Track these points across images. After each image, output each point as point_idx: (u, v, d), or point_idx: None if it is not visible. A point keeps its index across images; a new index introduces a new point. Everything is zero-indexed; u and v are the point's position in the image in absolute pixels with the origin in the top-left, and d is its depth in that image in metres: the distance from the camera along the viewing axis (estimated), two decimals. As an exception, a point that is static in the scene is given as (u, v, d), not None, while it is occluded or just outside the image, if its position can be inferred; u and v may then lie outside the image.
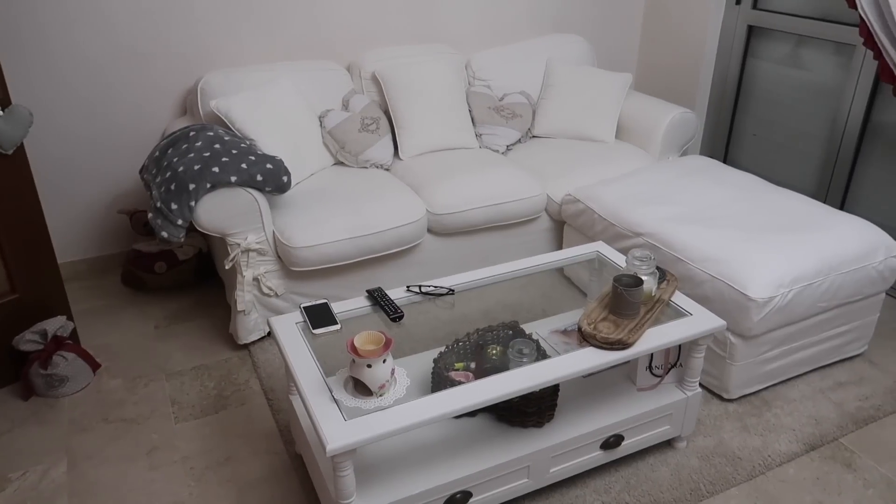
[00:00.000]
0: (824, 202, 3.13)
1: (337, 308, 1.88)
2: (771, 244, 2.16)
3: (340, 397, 1.52)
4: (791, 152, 3.28)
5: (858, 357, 2.40)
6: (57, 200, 2.82)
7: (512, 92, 3.21)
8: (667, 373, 1.95)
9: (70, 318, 2.35)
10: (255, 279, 2.38)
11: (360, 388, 1.53)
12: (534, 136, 3.22)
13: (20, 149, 2.09)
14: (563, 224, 2.85)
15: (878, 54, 2.50)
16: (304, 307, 1.85)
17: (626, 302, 1.77)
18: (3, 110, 2.01)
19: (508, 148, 3.09)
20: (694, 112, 3.13)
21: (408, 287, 1.95)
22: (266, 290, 2.39)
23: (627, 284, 1.79)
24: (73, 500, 1.86)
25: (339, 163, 2.83)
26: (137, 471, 1.95)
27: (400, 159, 2.90)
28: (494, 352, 1.92)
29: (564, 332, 2.18)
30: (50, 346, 2.22)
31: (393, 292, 1.95)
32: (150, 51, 2.76)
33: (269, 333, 2.50)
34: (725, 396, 2.18)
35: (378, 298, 1.89)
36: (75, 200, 2.85)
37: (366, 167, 2.81)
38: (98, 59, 2.69)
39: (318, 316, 1.83)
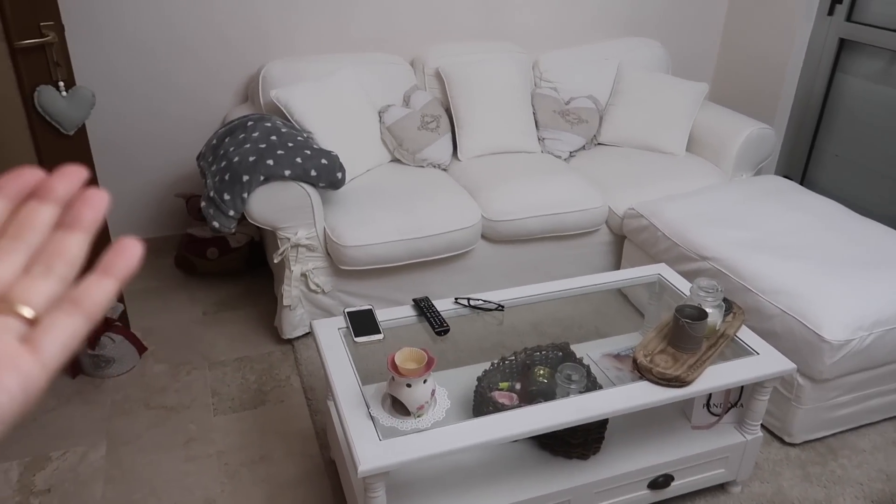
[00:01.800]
0: (910, 234, 2.90)
1: (382, 315, 1.82)
2: (851, 280, 1.99)
3: (377, 414, 1.46)
4: (877, 177, 3.05)
5: (939, 408, 2.21)
6: (118, 181, 2.86)
7: (579, 96, 3.08)
8: (726, 412, 1.83)
9: (121, 299, 2.36)
10: (303, 275, 2.34)
11: (398, 407, 1.46)
12: (599, 144, 3.09)
13: (81, 130, 2.10)
14: (623, 239, 2.72)
15: None
16: (347, 312, 1.80)
17: (687, 335, 1.65)
18: (66, 91, 2.02)
19: (571, 154, 2.97)
20: (772, 128, 2.94)
21: (456, 299, 1.88)
22: (313, 287, 2.36)
23: (690, 316, 1.67)
24: (108, 486, 1.86)
25: (395, 160, 2.77)
26: (173, 461, 1.95)
27: (458, 160, 2.82)
28: (542, 374, 1.83)
29: (617, 356, 2.07)
30: (99, 326, 2.23)
31: (440, 303, 1.88)
32: (215, 37, 2.75)
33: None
34: (787, 440, 2.04)
35: (424, 309, 1.82)
36: (136, 181, 2.88)
37: (423, 166, 2.74)
38: (163, 43, 2.70)
39: (362, 323, 1.77)
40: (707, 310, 1.70)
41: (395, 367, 1.42)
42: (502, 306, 1.88)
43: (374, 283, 2.44)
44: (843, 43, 3.12)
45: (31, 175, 0.34)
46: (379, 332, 1.74)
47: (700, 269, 2.26)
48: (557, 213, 2.56)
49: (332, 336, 1.73)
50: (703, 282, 1.75)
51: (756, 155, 2.91)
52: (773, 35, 3.31)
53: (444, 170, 2.79)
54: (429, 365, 1.43)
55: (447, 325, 1.77)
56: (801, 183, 3.41)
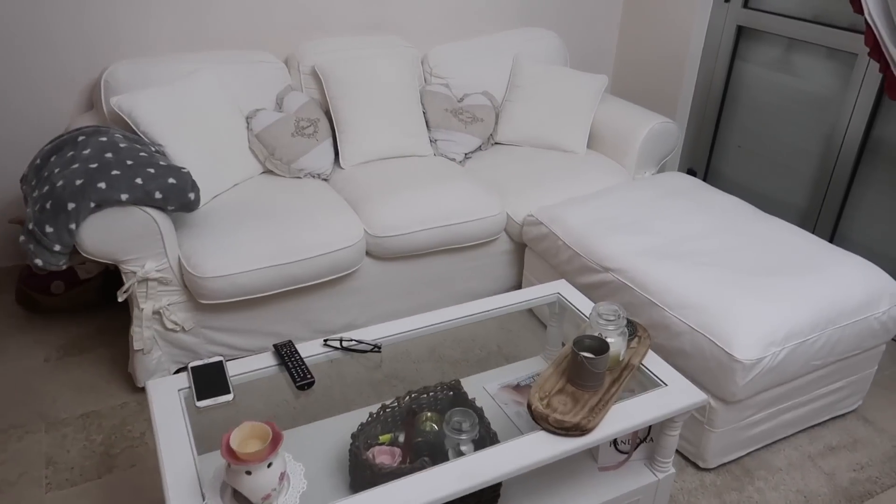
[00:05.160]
0: (815, 223, 2.83)
1: (235, 368, 1.52)
2: (760, 290, 1.84)
3: (214, 507, 1.18)
4: (780, 168, 2.97)
5: (851, 413, 2.12)
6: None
7: (473, 92, 2.85)
8: (634, 449, 1.64)
9: (-70, 355, 1.96)
10: (157, 312, 2.01)
11: (240, 498, 1.18)
12: (496, 144, 2.87)
13: None
14: (524, 247, 2.52)
15: (885, 67, 2.18)
16: (192, 368, 1.49)
17: (587, 372, 1.44)
18: None
19: (467, 156, 2.74)
20: (675, 121, 2.81)
21: (325, 341, 1.60)
22: (170, 325, 2.03)
23: (590, 349, 1.46)
24: None
25: (268, 171, 2.46)
26: (-13, 559, 1.59)
27: (341, 168, 2.54)
28: (429, 420, 1.59)
29: (517, 388, 1.85)
30: None
31: (307, 346, 1.60)
32: (51, 32, 2.35)
33: (176, 371, 2.14)
34: (702, 465, 1.88)
35: (286, 357, 1.54)
36: (-40, 206, 2.45)
37: (300, 177, 2.44)
38: (-18, 42, 2.28)
39: (209, 380, 1.47)
40: (609, 340, 1.50)
41: (230, 451, 1.14)
42: (379, 347, 1.62)
43: (247, 315, 2.14)
44: (741, 30, 3.02)
45: None
46: (228, 392, 1.44)
47: (603, 280, 2.07)
48: (451, 224, 2.32)
49: (169, 400, 1.43)
50: (602, 308, 1.54)
51: (659, 151, 2.77)
52: (671, 23, 3.18)
53: (326, 180, 2.49)
54: (274, 444, 1.15)
55: (311, 377, 1.49)
56: (706, 175, 3.31)
